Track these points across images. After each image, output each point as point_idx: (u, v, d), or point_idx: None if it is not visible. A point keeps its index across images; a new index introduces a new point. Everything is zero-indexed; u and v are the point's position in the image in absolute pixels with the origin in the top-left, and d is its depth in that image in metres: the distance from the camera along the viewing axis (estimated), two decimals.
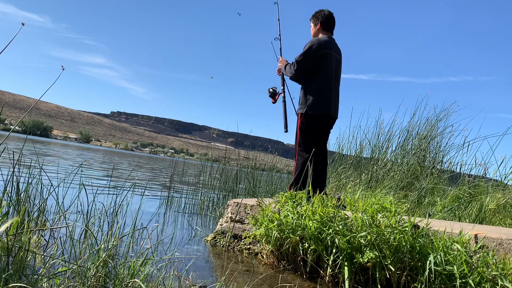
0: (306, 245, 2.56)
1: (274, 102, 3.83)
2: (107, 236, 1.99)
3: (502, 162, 4.66)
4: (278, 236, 2.69)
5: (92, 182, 5.80)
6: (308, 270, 2.57)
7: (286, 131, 3.65)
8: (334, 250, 2.46)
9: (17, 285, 1.32)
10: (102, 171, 9.95)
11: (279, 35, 4.01)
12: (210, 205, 5.53)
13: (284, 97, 3.78)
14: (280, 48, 3.96)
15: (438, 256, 2.16)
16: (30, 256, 1.68)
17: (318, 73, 3.45)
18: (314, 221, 2.55)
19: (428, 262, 2.14)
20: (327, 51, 3.45)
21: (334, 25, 3.66)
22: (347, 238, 2.41)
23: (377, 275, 2.29)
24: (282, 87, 3.84)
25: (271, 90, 3.84)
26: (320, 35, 3.60)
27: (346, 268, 2.36)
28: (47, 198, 2.57)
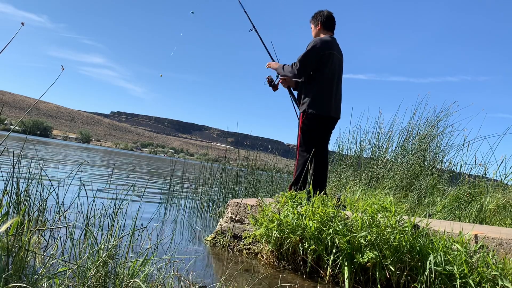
0: (306, 245, 2.56)
1: (275, 90, 3.81)
2: (107, 236, 1.99)
3: (502, 162, 4.67)
4: (278, 236, 2.69)
5: (92, 182, 5.80)
6: (308, 270, 2.57)
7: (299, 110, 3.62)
8: (334, 250, 2.46)
9: (17, 285, 1.32)
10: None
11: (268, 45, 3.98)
12: (210, 205, 5.53)
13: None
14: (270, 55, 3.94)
15: (438, 256, 2.16)
16: (30, 256, 1.68)
17: (319, 74, 3.44)
18: (314, 221, 2.56)
19: (428, 262, 2.14)
20: (330, 52, 3.43)
21: (335, 25, 3.65)
22: (347, 238, 2.41)
23: (377, 275, 2.29)
24: (292, 99, 3.80)
25: (269, 79, 3.81)
26: (322, 35, 3.58)
27: (346, 268, 2.36)
28: (47, 198, 2.57)
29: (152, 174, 12.62)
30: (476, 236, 2.35)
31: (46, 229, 2.39)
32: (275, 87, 3.82)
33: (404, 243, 2.28)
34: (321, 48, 3.40)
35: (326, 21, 3.60)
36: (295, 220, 2.64)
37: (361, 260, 2.31)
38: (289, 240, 2.65)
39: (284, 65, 3.64)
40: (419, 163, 5.36)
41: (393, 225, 2.36)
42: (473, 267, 2.13)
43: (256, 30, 3.95)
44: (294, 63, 3.50)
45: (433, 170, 5.25)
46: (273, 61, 3.92)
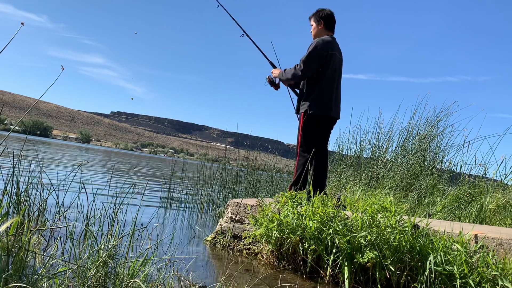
0: (306, 245, 2.56)
1: (277, 89, 3.84)
2: (107, 236, 1.99)
3: (502, 162, 4.66)
4: (278, 236, 2.69)
5: (92, 181, 5.80)
6: (308, 270, 2.57)
7: (297, 113, 3.61)
8: (334, 250, 2.46)
9: (17, 285, 1.32)
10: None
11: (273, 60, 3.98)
12: (210, 205, 5.53)
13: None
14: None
15: (438, 256, 2.16)
16: (30, 256, 1.68)
17: (321, 74, 3.44)
18: (314, 221, 2.55)
19: (428, 262, 2.14)
20: (332, 52, 3.42)
21: (335, 25, 3.65)
22: (347, 238, 2.41)
23: (377, 275, 2.29)
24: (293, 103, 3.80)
25: (269, 79, 3.83)
26: (323, 35, 3.57)
27: (346, 268, 2.36)
28: (47, 198, 2.57)
29: (153, 176, 12.62)
30: (476, 236, 2.35)
31: (46, 229, 2.39)
32: (276, 86, 3.83)
33: (404, 243, 2.28)
34: (324, 49, 3.39)
35: (328, 21, 3.58)
36: (295, 220, 2.64)
37: (361, 260, 2.31)
38: (289, 240, 2.65)
39: (285, 69, 3.64)
40: (419, 163, 5.35)
41: (393, 225, 2.36)
42: (473, 267, 2.13)
43: (247, 35, 3.97)
44: (298, 64, 3.48)
45: (433, 170, 5.24)
46: (273, 66, 3.92)
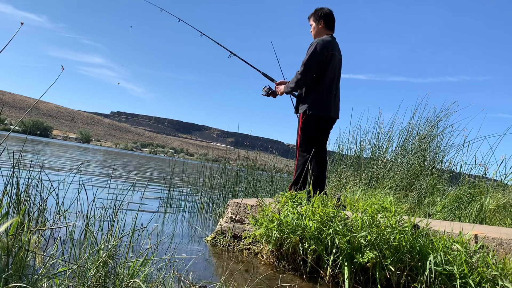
0: (306, 245, 2.56)
1: (275, 96, 3.84)
2: (107, 236, 1.99)
3: (502, 162, 4.66)
4: (278, 236, 2.69)
5: (92, 181, 5.81)
6: (308, 270, 2.57)
7: (296, 112, 3.61)
8: (334, 250, 2.46)
9: (17, 285, 1.32)
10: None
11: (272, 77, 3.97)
12: (210, 205, 5.53)
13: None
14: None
15: (438, 256, 2.16)
16: (30, 256, 1.68)
17: (320, 75, 3.43)
18: (314, 221, 2.55)
19: (428, 262, 2.14)
20: (332, 53, 3.42)
21: (335, 23, 3.64)
22: (347, 238, 2.41)
23: (377, 275, 2.29)
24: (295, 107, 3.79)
25: (266, 88, 3.82)
26: (323, 34, 3.56)
27: (346, 268, 2.36)
28: (47, 198, 2.57)
29: (153, 179, 12.63)
30: (476, 236, 2.35)
31: (46, 229, 2.39)
32: (274, 94, 3.81)
33: (404, 243, 2.28)
34: (324, 49, 3.38)
35: (328, 19, 3.57)
36: (295, 220, 2.64)
37: (361, 260, 2.31)
38: (289, 240, 2.65)
39: (288, 82, 3.64)
40: (419, 163, 5.36)
41: (393, 225, 2.36)
42: (473, 267, 2.13)
43: (235, 55, 4.01)
44: (300, 68, 3.46)
45: (433, 170, 5.25)
46: (267, 77, 3.93)
